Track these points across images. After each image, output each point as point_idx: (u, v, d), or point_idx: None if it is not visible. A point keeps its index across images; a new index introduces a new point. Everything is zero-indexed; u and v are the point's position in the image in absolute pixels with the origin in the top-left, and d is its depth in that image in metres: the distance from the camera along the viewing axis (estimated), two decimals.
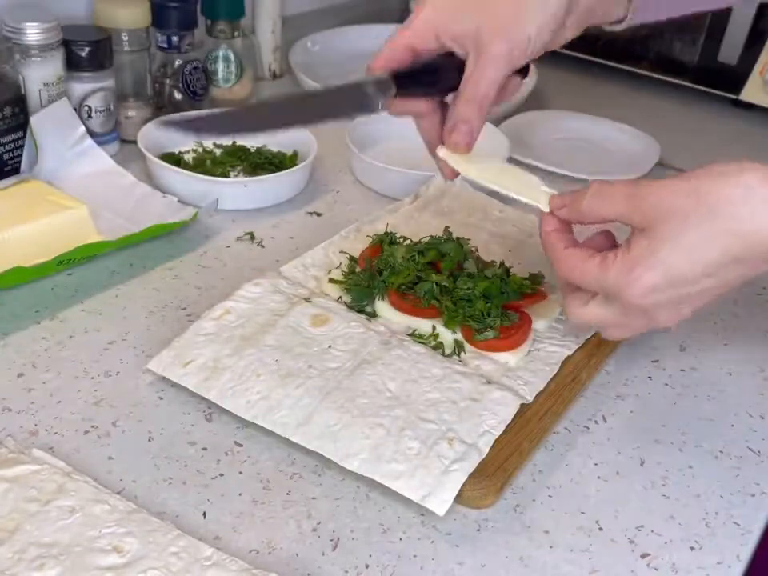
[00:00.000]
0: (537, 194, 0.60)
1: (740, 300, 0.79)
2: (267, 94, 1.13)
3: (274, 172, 0.86)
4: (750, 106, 1.13)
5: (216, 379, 0.59)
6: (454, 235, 0.75)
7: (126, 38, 0.92)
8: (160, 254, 0.77)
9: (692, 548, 0.54)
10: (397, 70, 0.60)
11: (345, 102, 0.61)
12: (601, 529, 0.55)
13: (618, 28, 0.66)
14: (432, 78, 0.63)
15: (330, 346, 0.62)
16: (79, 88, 0.87)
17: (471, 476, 0.54)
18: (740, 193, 0.50)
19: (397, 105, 0.62)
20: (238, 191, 0.84)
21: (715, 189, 0.51)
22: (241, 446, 0.58)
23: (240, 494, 0.55)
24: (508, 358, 0.64)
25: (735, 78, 1.11)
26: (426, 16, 0.61)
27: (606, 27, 0.66)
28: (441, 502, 0.52)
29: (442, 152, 0.64)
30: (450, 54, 0.62)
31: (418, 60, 0.62)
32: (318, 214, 0.85)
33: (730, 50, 1.10)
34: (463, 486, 0.53)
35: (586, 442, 0.61)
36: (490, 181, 0.62)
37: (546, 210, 0.60)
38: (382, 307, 0.68)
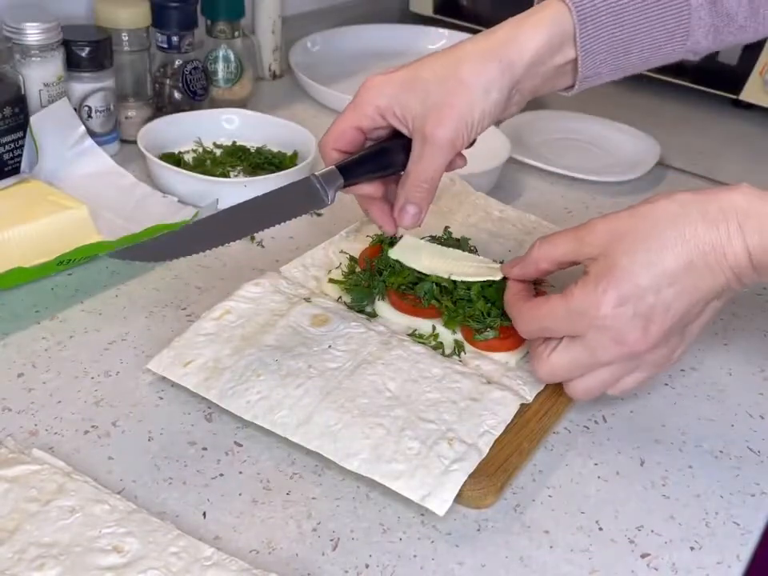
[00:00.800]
0: (486, 270, 0.66)
1: (740, 300, 0.79)
2: (267, 94, 1.13)
3: (274, 172, 0.86)
4: (750, 106, 1.13)
5: (216, 379, 0.59)
6: (454, 235, 0.75)
7: (126, 37, 0.92)
8: None
9: (692, 548, 0.54)
10: (342, 162, 0.63)
11: (294, 200, 0.62)
12: (601, 529, 0.55)
13: (567, 94, 0.67)
14: (377, 163, 0.65)
15: (330, 346, 0.62)
16: (79, 88, 0.87)
17: (471, 476, 0.54)
18: (676, 208, 0.54)
19: (346, 191, 0.65)
20: (238, 191, 0.84)
21: (654, 207, 0.55)
22: (241, 446, 0.58)
23: (240, 494, 0.55)
24: (508, 358, 0.64)
25: (735, 78, 1.11)
26: (371, 98, 0.63)
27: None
28: (441, 502, 0.52)
29: (393, 254, 0.69)
30: (397, 132, 0.64)
31: (363, 146, 0.65)
32: (318, 214, 0.85)
33: (730, 50, 1.10)
34: (463, 486, 0.53)
35: (586, 442, 0.61)
36: (444, 271, 0.67)
37: (499, 277, 0.65)
38: (382, 307, 0.68)
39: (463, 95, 0.61)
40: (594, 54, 0.63)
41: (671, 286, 0.53)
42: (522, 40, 0.61)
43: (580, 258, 0.57)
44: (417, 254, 0.68)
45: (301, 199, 0.62)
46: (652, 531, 0.55)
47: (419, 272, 0.68)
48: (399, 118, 0.62)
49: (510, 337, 0.65)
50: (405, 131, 0.63)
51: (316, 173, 0.62)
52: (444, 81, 0.61)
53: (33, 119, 0.80)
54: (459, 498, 0.53)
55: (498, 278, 0.65)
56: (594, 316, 0.54)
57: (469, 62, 0.61)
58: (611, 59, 0.64)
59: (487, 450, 0.56)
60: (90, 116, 0.89)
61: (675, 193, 0.55)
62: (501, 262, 0.68)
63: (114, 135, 0.92)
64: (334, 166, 0.62)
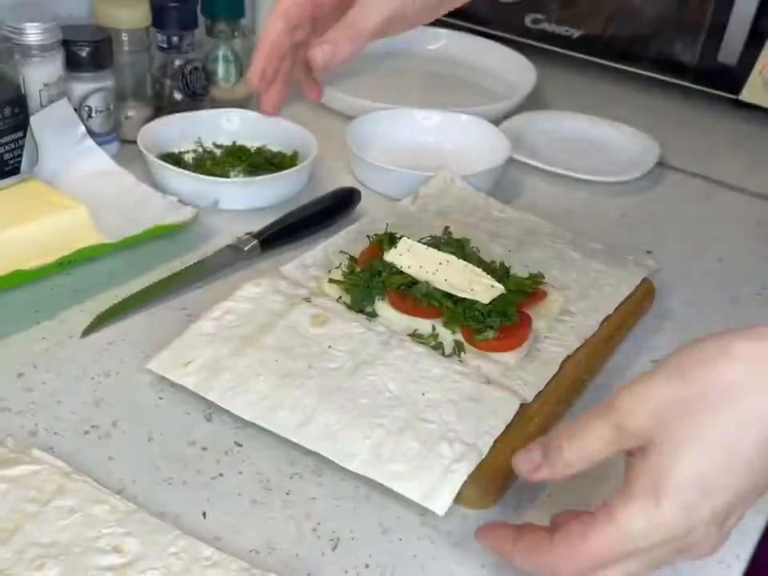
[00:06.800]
0: (482, 287, 0.65)
1: (740, 300, 0.79)
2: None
3: (274, 172, 0.86)
4: (750, 106, 1.13)
5: (216, 379, 0.59)
6: (454, 235, 0.75)
7: (126, 38, 0.92)
8: (160, 254, 0.77)
9: None
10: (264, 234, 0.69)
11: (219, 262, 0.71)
12: None
13: None
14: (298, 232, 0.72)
15: (329, 347, 0.62)
16: (79, 88, 0.87)
17: (471, 476, 0.54)
18: (742, 368, 0.42)
19: None
20: (238, 191, 0.84)
21: (713, 372, 0.42)
22: (241, 446, 0.58)
23: (240, 494, 0.55)
24: (508, 358, 0.64)
25: (735, 78, 1.11)
26: None
27: None
28: (441, 502, 0.52)
29: (389, 257, 0.69)
30: None
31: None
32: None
33: (730, 50, 1.10)
34: (463, 486, 0.53)
35: None
36: (437, 283, 0.66)
37: (487, 301, 0.64)
38: (382, 307, 0.68)
39: None
40: None
41: (753, 475, 0.42)
42: None
43: (621, 450, 0.44)
44: (413, 259, 0.68)
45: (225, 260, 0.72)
46: None
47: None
48: None
49: (510, 337, 0.65)
50: None
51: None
52: None
53: (33, 119, 0.80)
54: (459, 498, 0.53)
55: (486, 300, 0.65)
56: (659, 538, 0.42)
57: None
58: None
59: (487, 450, 0.55)
60: (90, 116, 0.89)
61: (737, 341, 0.42)
62: (500, 277, 0.68)
63: (113, 135, 0.92)
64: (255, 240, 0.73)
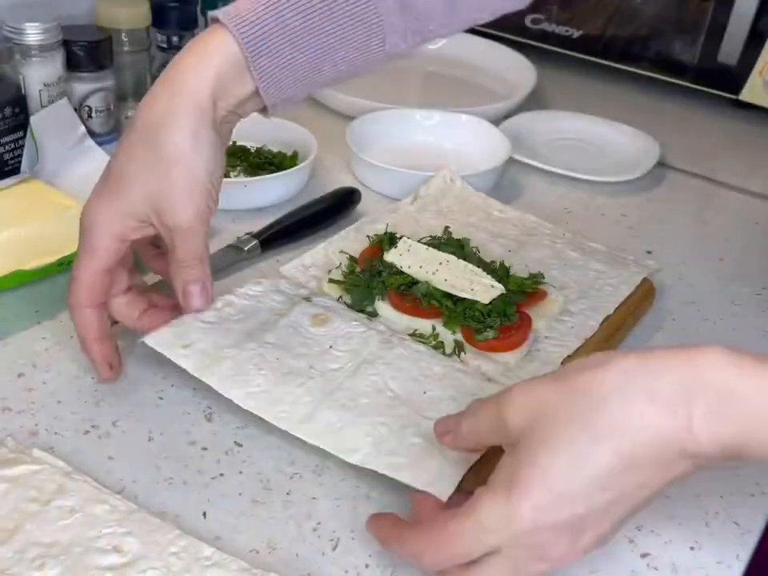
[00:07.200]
0: (481, 287, 0.65)
1: (740, 300, 0.79)
2: None
3: (274, 172, 0.86)
4: (749, 106, 1.13)
5: (217, 366, 0.59)
6: (454, 235, 0.75)
7: (126, 38, 0.92)
8: None
9: (692, 548, 0.54)
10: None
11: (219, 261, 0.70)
12: None
13: (267, 116, 0.61)
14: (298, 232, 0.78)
15: (330, 347, 0.62)
16: (79, 88, 0.87)
17: (473, 472, 0.53)
18: (619, 382, 0.42)
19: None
20: (238, 191, 0.84)
21: (591, 380, 0.43)
22: (241, 446, 0.58)
23: (240, 494, 0.55)
24: (508, 357, 0.64)
25: (735, 78, 1.11)
26: (102, 235, 0.57)
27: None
28: (444, 488, 0.51)
29: (389, 257, 0.69)
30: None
31: (121, 284, 0.60)
32: None
33: (730, 50, 1.10)
34: (465, 482, 0.53)
35: None
36: (437, 283, 0.67)
37: (487, 301, 0.64)
38: (383, 307, 0.68)
39: (180, 168, 0.55)
40: (276, 81, 0.57)
41: (605, 491, 0.42)
42: (192, 82, 0.55)
43: (503, 440, 0.46)
44: (413, 259, 0.68)
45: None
46: (652, 531, 0.55)
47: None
48: (141, 228, 0.57)
49: (510, 337, 0.65)
50: (154, 231, 0.58)
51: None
52: (152, 165, 0.55)
53: (33, 119, 0.80)
54: (460, 489, 0.53)
55: (486, 300, 0.65)
56: (508, 533, 0.43)
57: (163, 131, 0.55)
58: (300, 81, 0.58)
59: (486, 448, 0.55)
60: (90, 116, 0.89)
61: (620, 356, 0.43)
62: (500, 277, 0.68)
63: (114, 135, 0.92)
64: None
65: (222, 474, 0.56)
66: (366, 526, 0.51)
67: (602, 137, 1.06)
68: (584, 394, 0.43)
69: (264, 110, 0.60)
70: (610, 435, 0.42)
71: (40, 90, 0.83)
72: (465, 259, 0.69)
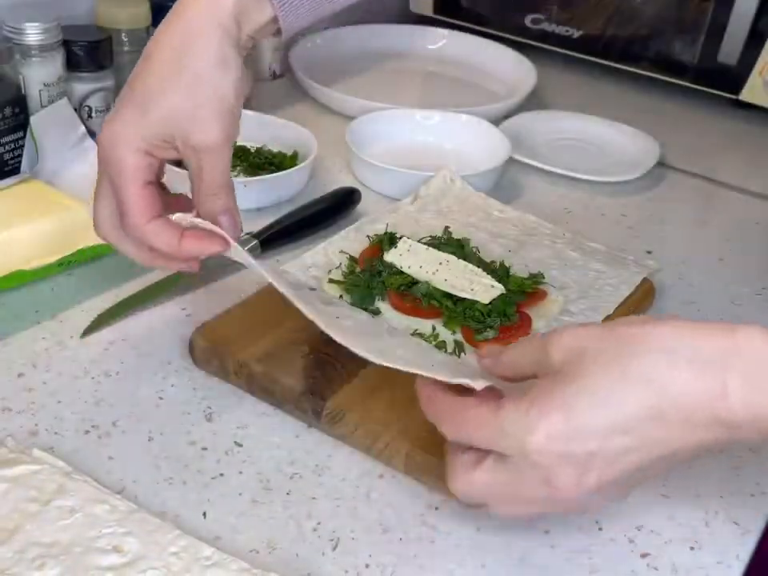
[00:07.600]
0: (481, 287, 0.65)
1: (740, 300, 0.79)
2: (267, 94, 1.13)
3: (274, 172, 0.86)
4: (749, 106, 1.13)
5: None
6: (454, 235, 0.75)
7: (126, 38, 0.92)
8: None
9: (692, 548, 0.54)
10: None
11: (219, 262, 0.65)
12: (601, 529, 0.55)
13: (281, 38, 0.62)
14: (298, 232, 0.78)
15: None
16: (79, 88, 0.87)
17: None
18: (666, 339, 0.44)
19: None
20: (238, 191, 0.83)
21: (639, 332, 0.45)
22: (241, 445, 0.58)
23: (240, 494, 0.55)
24: None
25: (735, 78, 1.11)
26: (122, 155, 0.55)
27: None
28: (479, 383, 0.49)
29: (389, 257, 0.69)
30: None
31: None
32: None
33: (730, 50, 1.10)
34: None
35: None
36: (437, 283, 0.66)
37: (487, 301, 0.64)
38: (383, 308, 0.68)
39: (208, 86, 0.55)
40: (294, 9, 0.58)
41: (624, 435, 0.43)
42: (214, 4, 0.56)
43: (541, 372, 0.47)
44: (413, 259, 0.68)
45: None
46: (652, 531, 0.55)
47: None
48: (164, 148, 0.56)
49: (510, 337, 0.65)
50: (175, 155, 0.57)
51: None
52: (178, 85, 0.55)
53: (33, 119, 0.80)
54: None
55: (486, 300, 0.65)
56: (522, 442, 0.44)
57: (190, 50, 0.55)
58: (316, 9, 0.60)
59: None
60: (90, 116, 0.89)
61: (670, 317, 0.46)
62: (500, 277, 0.68)
63: None
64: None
65: (221, 474, 0.56)
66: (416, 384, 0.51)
67: (602, 137, 1.06)
68: (629, 344, 0.44)
69: (278, 32, 0.60)
70: (643, 385, 0.43)
71: (40, 90, 0.83)
72: (465, 259, 0.69)
